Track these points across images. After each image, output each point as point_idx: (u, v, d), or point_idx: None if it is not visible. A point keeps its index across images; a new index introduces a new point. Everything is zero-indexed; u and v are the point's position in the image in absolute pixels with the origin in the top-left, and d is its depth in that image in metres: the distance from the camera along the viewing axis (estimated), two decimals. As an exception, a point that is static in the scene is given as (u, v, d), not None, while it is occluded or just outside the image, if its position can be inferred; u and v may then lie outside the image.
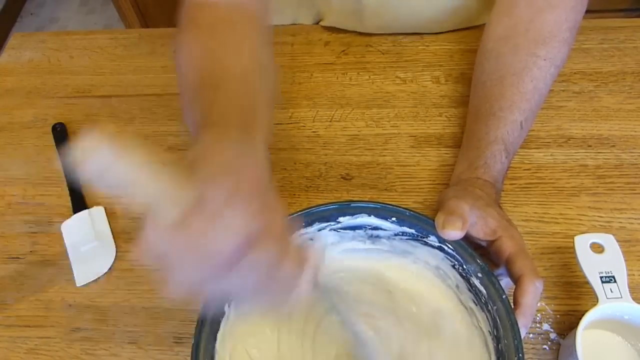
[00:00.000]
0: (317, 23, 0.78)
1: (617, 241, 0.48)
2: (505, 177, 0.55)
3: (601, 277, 0.46)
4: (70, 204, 0.62)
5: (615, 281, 0.46)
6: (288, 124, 0.67)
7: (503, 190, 0.58)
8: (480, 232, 0.46)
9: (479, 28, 0.73)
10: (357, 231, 0.51)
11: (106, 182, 0.27)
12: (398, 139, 0.64)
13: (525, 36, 0.57)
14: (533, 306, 0.42)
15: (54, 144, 0.68)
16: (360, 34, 0.75)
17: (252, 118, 0.44)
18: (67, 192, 0.63)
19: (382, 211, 0.49)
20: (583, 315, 0.44)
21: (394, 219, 0.49)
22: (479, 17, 0.73)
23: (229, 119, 0.42)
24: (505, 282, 0.45)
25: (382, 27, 0.73)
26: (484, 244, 0.47)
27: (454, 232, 0.44)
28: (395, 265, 0.52)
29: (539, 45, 0.56)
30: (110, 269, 0.57)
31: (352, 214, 0.50)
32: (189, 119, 0.47)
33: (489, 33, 0.61)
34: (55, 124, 0.70)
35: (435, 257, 0.50)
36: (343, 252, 0.52)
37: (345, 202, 0.50)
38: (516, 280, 0.43)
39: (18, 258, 0.59)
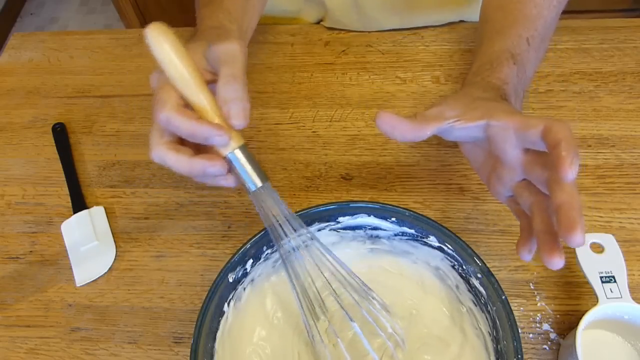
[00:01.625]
0: (319, 22, 0.78)
1: (617, 241, 0.48)
2: (522, 95, 0.50)
3: (601, 277, 0.46)
4: (70, 204, 0.62)
5: (615, 281, 0.46)
6: (288, 124, 0.67)
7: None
8: (467, 118, 0.41)
9: (479, 28, 0.73)
10: (357, 231, 0.51)
11: (161, 57, 0.41)
12: (398, 139, 0.64)
13: None
14: (572, 139, 0.35)
15: (54, 144, 0.68)
16: (361, 33, 0.75)
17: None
18: (67, 192, 0.63)
19: (382, 211, 0.49)
20: (583, 315, 0.44)
21: (393, 219, 0.49)
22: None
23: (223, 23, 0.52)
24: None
25: (381, 21, 0.73)
26: (481, 134, 0.41)
27: (383, 116, 0.41)
28: (395, 266, 0.52)
29: None
30: (110, 269, 0.57)
31: (351, 214, 0.50)
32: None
33: None
34: (55, 124, 0.70)
35: (435, 258, 0.50)
36: (343, 252, 0.52)
37: (345, 202, 0.50)
38: (541, 138, 0.36)
39: (18, 258, 0.59)
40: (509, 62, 0.49)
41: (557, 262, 0.36)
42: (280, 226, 0.44)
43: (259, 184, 0.42)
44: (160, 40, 0.39)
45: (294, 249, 0.47)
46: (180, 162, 0.41)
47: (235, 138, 0.41)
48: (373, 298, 0.45)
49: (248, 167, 0.42)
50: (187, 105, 0.41)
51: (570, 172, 0.34)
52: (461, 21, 0.75)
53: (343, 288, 0.45)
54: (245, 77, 0.43)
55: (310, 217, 0.50)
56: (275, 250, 0.51)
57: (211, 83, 0.43)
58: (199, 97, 0.40)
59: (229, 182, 0.43)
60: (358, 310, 0.45)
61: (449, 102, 0.43)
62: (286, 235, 0.44)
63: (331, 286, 0.46)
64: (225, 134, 0.40)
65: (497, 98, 0.45)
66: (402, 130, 0.41)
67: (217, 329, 0.46)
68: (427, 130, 0.41)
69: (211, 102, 0.41)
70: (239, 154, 0.41)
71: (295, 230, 0.44)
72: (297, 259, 0.46)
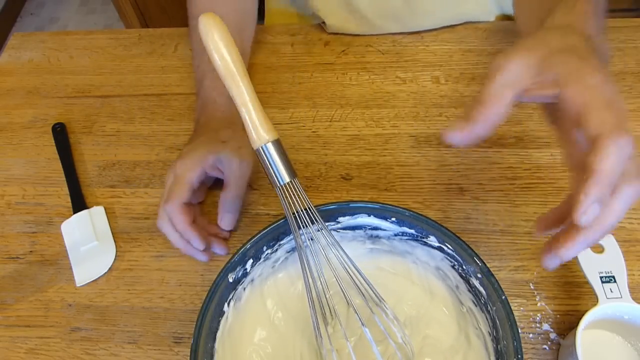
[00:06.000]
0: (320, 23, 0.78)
1: (617, 241, 0.48)
2: (604, 37, 0.42)
3: (601, 277, 0.46)
4: (70, 204, 0.62)
5: (615, 281, 0.46)
6: (288, 124, 0.67)
7: (503, 191, 0.58)
8: (538, 84, 0.34)
9: (479, 28, 0.73)
10: (357, 231, 0.51)
11: (209, 45, 0.42)
12: (398, 139, 0.64)
13: None
14: (611, 172, 0.31)
15: (54, 144, 0.68)
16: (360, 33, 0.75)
17: None
18: (67, 192, 0.63)
19: (382, 211, 0.49)
20: (583, 315, 0.44)
21: (393, 219, 0.49)
22: (475, 11, 0.73)
23: None
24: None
25: (381, 27, 0.73)
26: (552, 99, 0.35)
27: (454, 133, 0.34)
28: (395, 266, 0.52)
29: None
30: (110, 269, 0.57)
31: (351, 214, 0.50)
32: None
33: None
34: (55, 124, 0.70)
35: (435, 258, 0.49)
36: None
37: (345, 202, 0.50)
38: (591, 142, 0.31)
39: (18, 258, 0.59)
40: (582, 4, 0.41)
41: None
42: (300, 224, 0.45)
43: (286, 179, 0.44)
44: (211, 30, 0.41)
45: (311, 249, 0.47)
46: (173, 237, 0.54)
47: (269, 132, 0.43)
48: (386, 307, 0.46)
49: (277, 162, 0.43)
50: (189, 205, 0.54)
51: (583, 217, 0.31)
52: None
53: (357, 292, 0.46)
54: (242, 189, 0.55)
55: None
56: (275, 251, 0.51)
57: (217, 179, 0.57)
58: (239, 86, 0.43)
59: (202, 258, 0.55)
60: (369, 316, 0.46)
61: (515, 63, 0.35)
62: (305, 231, 0.46)
63: (343, 290, 0.46)
64: (203, 255, 0.54)
65: (579, 43, 0.36)
66: (471, 135, 0.35)
67: (217, 329, 0.46)
68: (491, 126, 0.35)
69: (250, 93, 0.43)
70: (270, 148, 0.43)
71: (313, 229, 0.46)
72: (314, 258, 0.47)
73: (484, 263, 0.45)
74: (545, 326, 0.50)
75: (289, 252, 0.52)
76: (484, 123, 0.34)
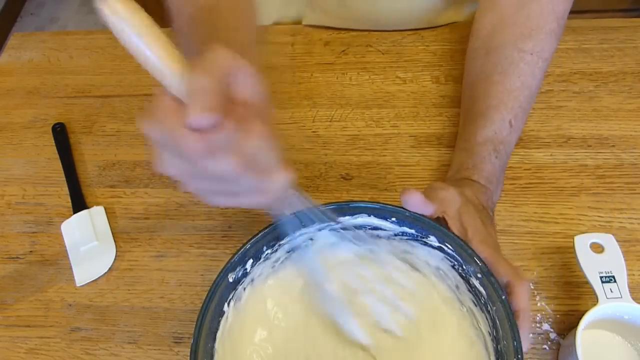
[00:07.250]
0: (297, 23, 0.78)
1: (617, 241, 0.48)
2: (503, 176, 0.55)
3: (601, 277, 0.46)
4: (70, 204, 0.62)
5: (615, 281, 0.46)
6: (288, 124, 0.67)
7: (503, 190, 0.58)
8: (454, 228, 0.46)
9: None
10: (357, 231, 0.51)
11: (126, 37, 0.29)
12: (398, 139, 0.64)
13: (511, 31, 0.55)
14: (529, 308, 0.42)
15: (54, 144, 0.68)
16: (361, 33, 0.75)
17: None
18: (67, 192, 0.63)
19: (382, 211, 0.49)
20: (583, 315, 0.44)
21: (393, 219, 0.49)
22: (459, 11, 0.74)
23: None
24: None
25: (365, 22, 0.73)
26: None
27: (412, 194, 0.44)
28: (395, 266, 0.52)
29: (525, 39, 0.54)
30: (110, 269, 0.57)
31: (351, 214, 0.50)
32: (188, 50, 0.44)
33: (475, 31, 0.61)
34: (55, 124, 0.70)
35: (435, 258, 0.49)
36: (343, 253, 0.52)
37: (345, 202, 0.50)
38: (504, 287, 0.43)
39: (18, 258, 0.59)
40: (491, 158, 0.52)
41: None
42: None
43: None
44: (121, 21, 0.29)
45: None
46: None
47: None
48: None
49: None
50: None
51: (525, 344, 0.40)
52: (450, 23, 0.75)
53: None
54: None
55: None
56: (275, 251, 0.51)
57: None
58: (180, 87, 0.32)
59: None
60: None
61: (452, 193, 0.47)
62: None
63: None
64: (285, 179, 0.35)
65: (483, 203, 0.50)
66: (420, 208, 0.45)
67: (217, 329, 0.46)
68: (434, 214, 0.46)
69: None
70: None
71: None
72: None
73: (484, 263, 0.45)
74: (545, 326, 0.50)
75: (289, 252, 0.52)
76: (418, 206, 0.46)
